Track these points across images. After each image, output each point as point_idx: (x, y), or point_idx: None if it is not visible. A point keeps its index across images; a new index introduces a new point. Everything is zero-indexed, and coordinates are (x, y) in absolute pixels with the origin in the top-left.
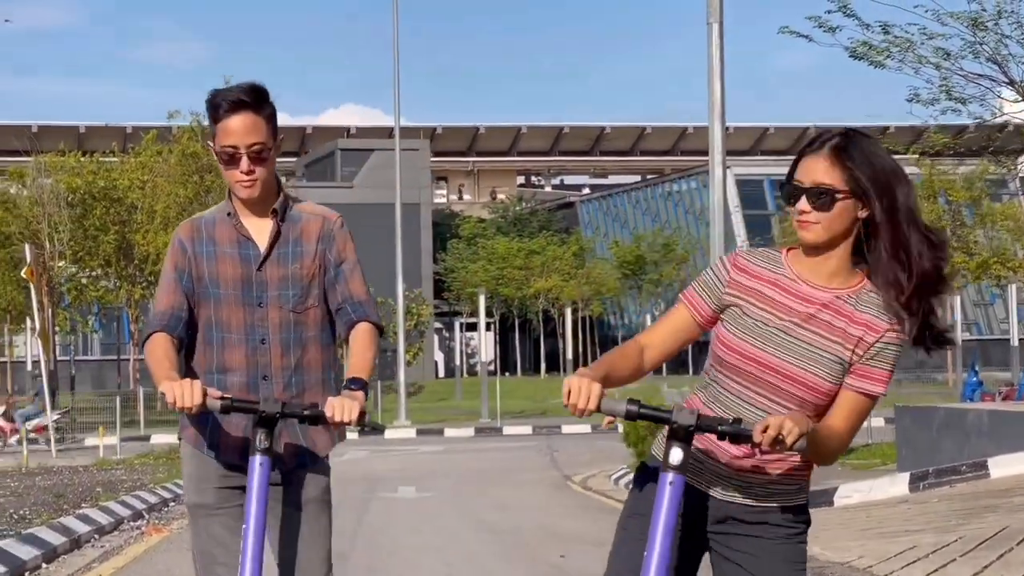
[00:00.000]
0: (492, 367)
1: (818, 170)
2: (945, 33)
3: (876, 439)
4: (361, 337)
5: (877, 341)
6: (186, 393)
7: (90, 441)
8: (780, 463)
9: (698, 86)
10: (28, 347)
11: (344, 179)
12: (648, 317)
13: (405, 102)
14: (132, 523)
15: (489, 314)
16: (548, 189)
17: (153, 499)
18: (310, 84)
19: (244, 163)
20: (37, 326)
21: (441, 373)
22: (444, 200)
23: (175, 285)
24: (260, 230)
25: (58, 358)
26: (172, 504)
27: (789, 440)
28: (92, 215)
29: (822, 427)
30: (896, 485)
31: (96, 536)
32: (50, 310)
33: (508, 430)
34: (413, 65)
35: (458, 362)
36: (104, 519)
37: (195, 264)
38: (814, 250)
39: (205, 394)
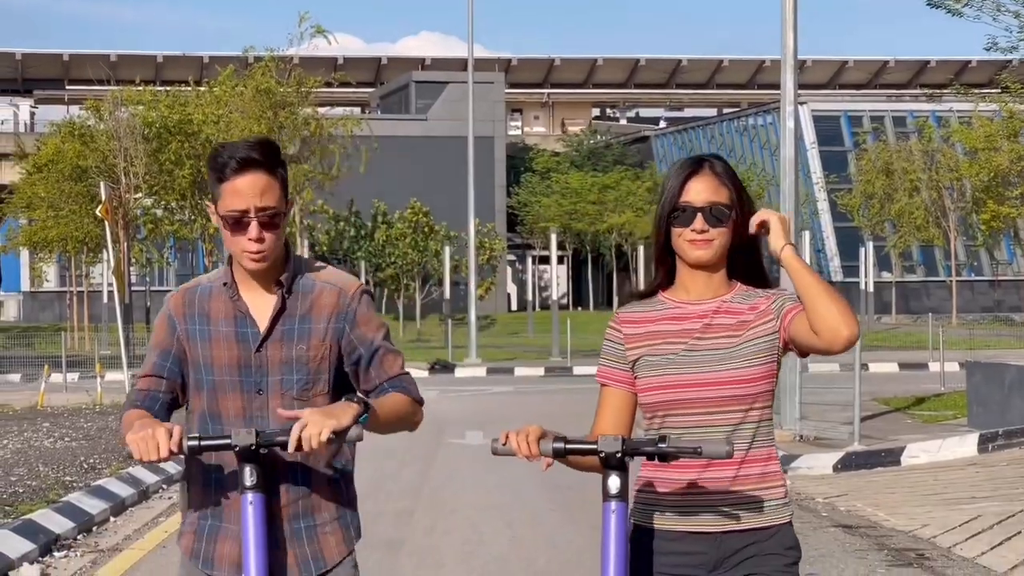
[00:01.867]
0: (564, 300)
1: (708, 190)
2: None
3: (949, 386)
4: (395, 396)
5: (774, 302)
6: (149, 444)
7: None
8: (759, 464)
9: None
10: (104, 278)
11: (418, 111)
12: None
13: (481, 31)
14: None
15: (562, 248)
16: (623, 122)
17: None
18: (388, 10)
19: (254, 229)
20: (112, 263)
21: (514, 306)
22: (518, 132)
23: (154, 367)
24: (261, 305)
25: (133, 288)
26: None
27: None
28: (167, 149)
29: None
30: (965, 446)
31: (164, 486)
32: (126, 244)
33: (578, 370)
34: None
35: (530, 296)
36: (172, 467)
37: (186, 345)
38: (702, 269)
39: (177, 436)
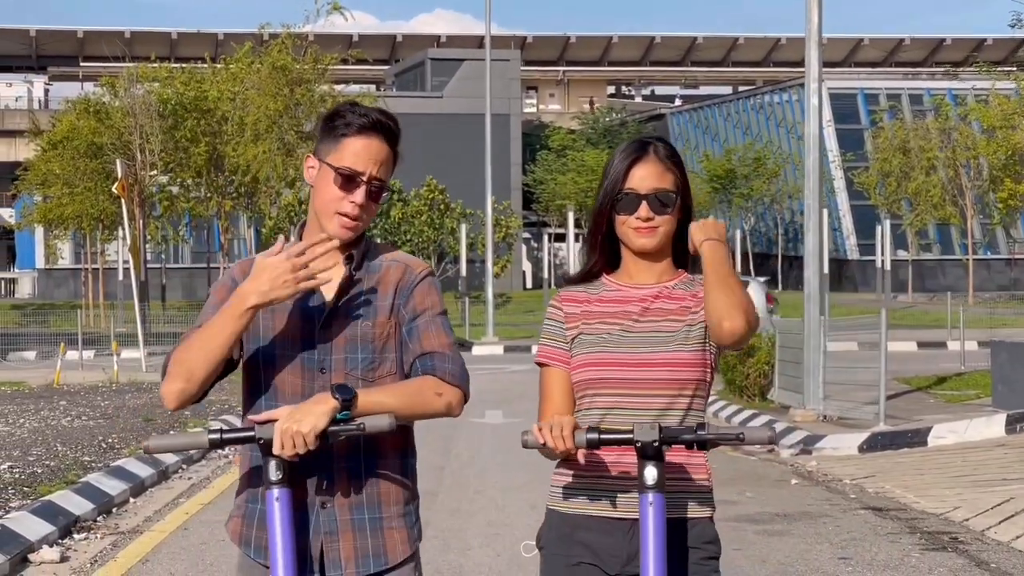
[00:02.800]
0: None
1: (653, 176)
2: None
3: (969, 365)
4: (409, 380)
5: None
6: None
7: None
8: (682, 454)
9: None
10: (120, 255)
11: (434, 89)
12: (737, 232)
13: (496, 9)
14: (220, 451)
15: (578, 226)
16: (638, 100)
17: (241, 423)
18: None
19: (361, 193)
20: (128, 240)
21: (529, 284)
22: (534, 109)
23: None
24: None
25: (149, 266)
26: None
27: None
28: (183, 126)
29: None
30: (992, 427)
31: (184, 467)
32: (141, 220)
33: None
34: None
35: (546, 274)
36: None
37: None
38: (645, 257)
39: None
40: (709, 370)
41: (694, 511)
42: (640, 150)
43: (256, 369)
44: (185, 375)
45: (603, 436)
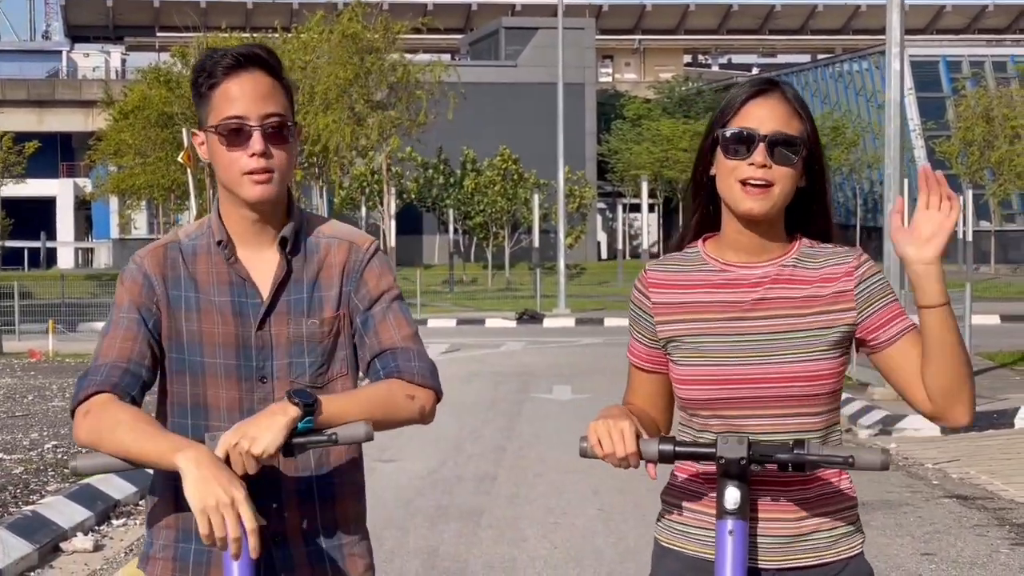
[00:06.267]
0: (655, 249)
1: (778, 118)
2: None
3: None
4: (375, 384)
5: (858, 285)
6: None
7: None
8: (824, 484)
9: None
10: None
11: (508, 58)
12: None
13: None
14: None
15: (652, 196)
16: (715, 69)
17: None
18: None
19: (257, 141)
20: (194, 211)
21: (604, 255)
22: (609, 79)
23: (134, 329)
24: (261, 269)
25: None
26: None
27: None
28: None
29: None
30: None
31: None
32: (211, 191)
33: None
34: None
35: (620, 245)
36: None
37: (163, 315)
38: (754, 224)
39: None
40: (844, 375)
41: (847, 548)
42: (765, 84)
43: (180, 382)
44: (94, 440)
45: (679, 448)
